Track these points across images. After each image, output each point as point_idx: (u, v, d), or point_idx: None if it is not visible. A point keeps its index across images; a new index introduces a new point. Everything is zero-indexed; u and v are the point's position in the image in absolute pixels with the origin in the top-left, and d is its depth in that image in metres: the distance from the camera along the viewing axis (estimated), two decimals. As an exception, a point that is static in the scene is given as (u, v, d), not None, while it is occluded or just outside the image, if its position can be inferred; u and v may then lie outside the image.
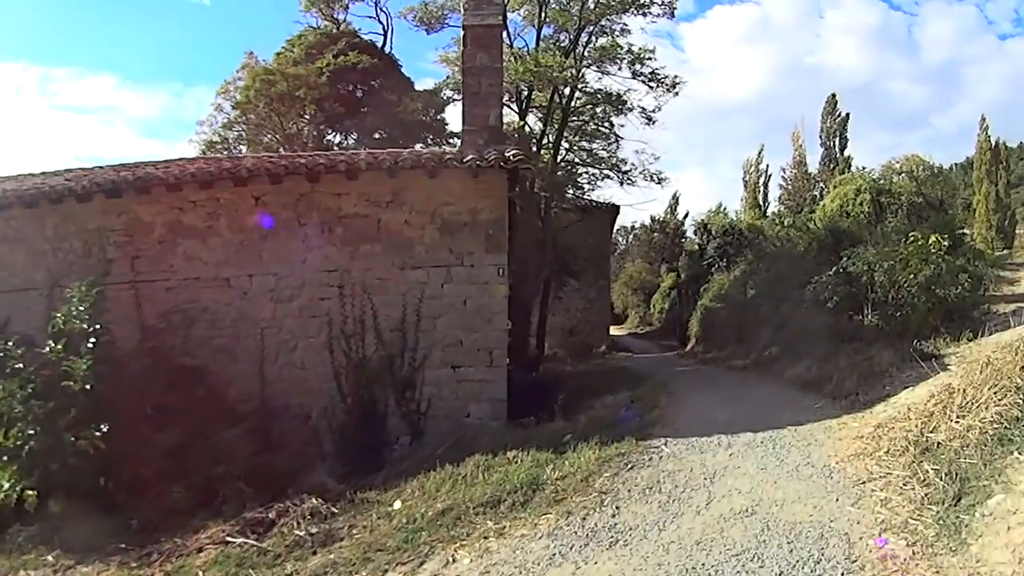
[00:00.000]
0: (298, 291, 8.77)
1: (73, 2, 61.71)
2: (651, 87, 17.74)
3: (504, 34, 11.90)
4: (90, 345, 7.17)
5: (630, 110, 17.96)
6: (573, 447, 6.28)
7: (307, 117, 16.80)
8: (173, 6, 63.84)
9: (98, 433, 6.76)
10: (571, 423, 7.57)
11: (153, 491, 6.94)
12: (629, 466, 5.80)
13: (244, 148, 17.72)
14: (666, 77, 17.70)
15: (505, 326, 8.81)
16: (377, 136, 17.98)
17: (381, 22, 21.83)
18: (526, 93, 17.28)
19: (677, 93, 17.78)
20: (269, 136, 16.93)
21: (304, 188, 8.70)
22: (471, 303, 8.70)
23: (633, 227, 43.56)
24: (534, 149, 17.82)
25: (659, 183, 18.95)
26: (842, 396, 7.56)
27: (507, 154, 8.47)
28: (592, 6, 16.92)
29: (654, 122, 18.21)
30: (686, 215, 32.95)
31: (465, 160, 8.33)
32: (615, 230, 33.43)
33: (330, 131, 17.74)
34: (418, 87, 20.25)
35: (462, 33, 10.73)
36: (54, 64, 65.17)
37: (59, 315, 7.15)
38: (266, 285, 8.80)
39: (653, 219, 35.84)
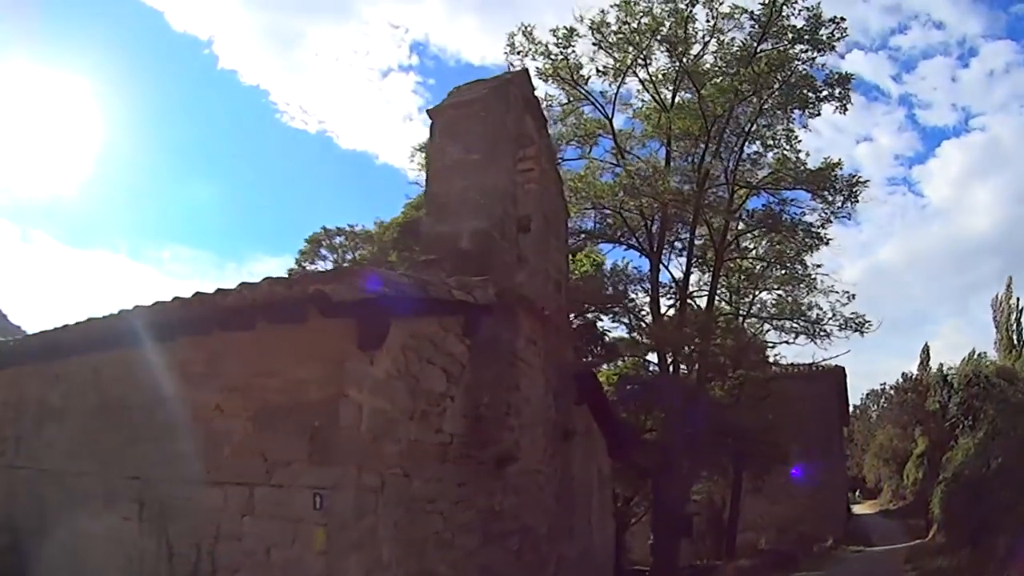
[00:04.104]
0: (108, 504, 6.07)
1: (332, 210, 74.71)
2: (824, 197, 13.20)
3: (509, 118, 8.00)
4: None
5: (803, 231, 13.14)
6: None
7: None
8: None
9: None
10: None
11: None
12: None
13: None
14: (836, 177, 13.13)
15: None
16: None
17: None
18: (657, 227, 13.27)
19: (857, 200, 13.33)
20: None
21: (132, 356, 6.28)
22: (277, 555, 4.84)
23: (883, 388, 40.84)
24: (676, 300, 13.55)
25: (859, 331, 13.71)
26: None
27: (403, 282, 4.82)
28: (722, 108, 12.69)
29: (826, 242, 13.75)
30: (939, 368, 27.95)
31: (226, 296, 4.98)
32: (857, 394, 32.58)
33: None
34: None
35: (429, 124, 7.69)
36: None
37: None
38: (85, 489, 6.35)
39: (904, 377, 34.16)
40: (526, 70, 9.81)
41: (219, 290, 5.18)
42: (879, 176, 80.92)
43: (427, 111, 7.77)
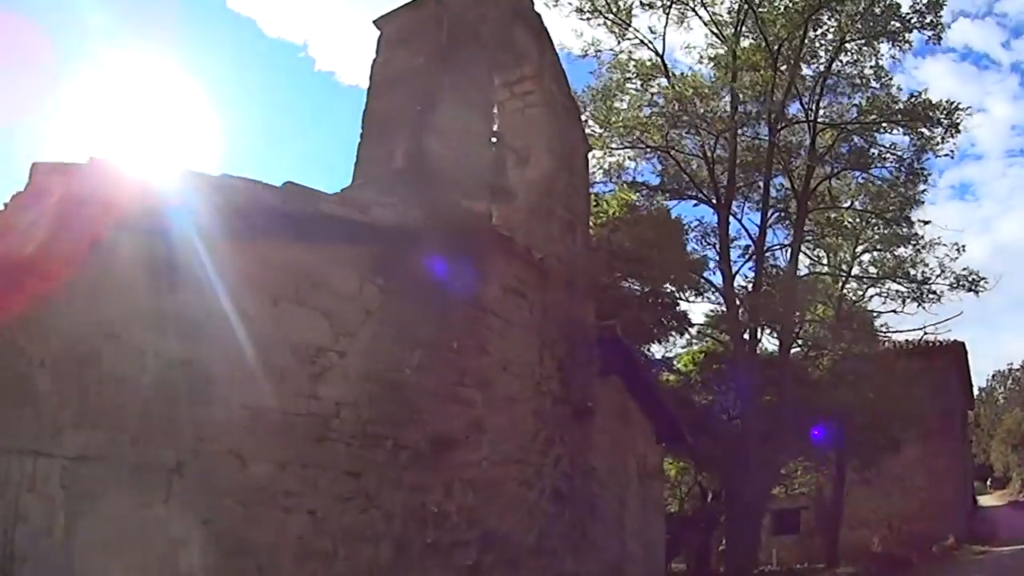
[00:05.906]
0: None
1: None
2: (920, 132, 11.51)
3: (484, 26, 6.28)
4: None
5: (895, 165, 11.74)
6: None
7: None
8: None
9: None
10: None
11: None
12: None
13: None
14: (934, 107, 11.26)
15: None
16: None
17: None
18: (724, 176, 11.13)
19: (958, 130, 11.61)
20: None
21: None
22: (44, 543, 3.71)
23: (1011, 369, 37.81)
24: (748, 258, 11.11)
25: (972, 290, 12.04)
26: None
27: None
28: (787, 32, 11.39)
29: (925, 178, 12.06)
30: (1072, 341, 22.82)
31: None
32: (982, 377, 30.23)
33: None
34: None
35: (377, 37, 6.16)
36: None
37: None
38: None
39: (1032, 353, 28.75)
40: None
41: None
42: (997, 148, 72.94)
43: (373, 21, 6.32)
